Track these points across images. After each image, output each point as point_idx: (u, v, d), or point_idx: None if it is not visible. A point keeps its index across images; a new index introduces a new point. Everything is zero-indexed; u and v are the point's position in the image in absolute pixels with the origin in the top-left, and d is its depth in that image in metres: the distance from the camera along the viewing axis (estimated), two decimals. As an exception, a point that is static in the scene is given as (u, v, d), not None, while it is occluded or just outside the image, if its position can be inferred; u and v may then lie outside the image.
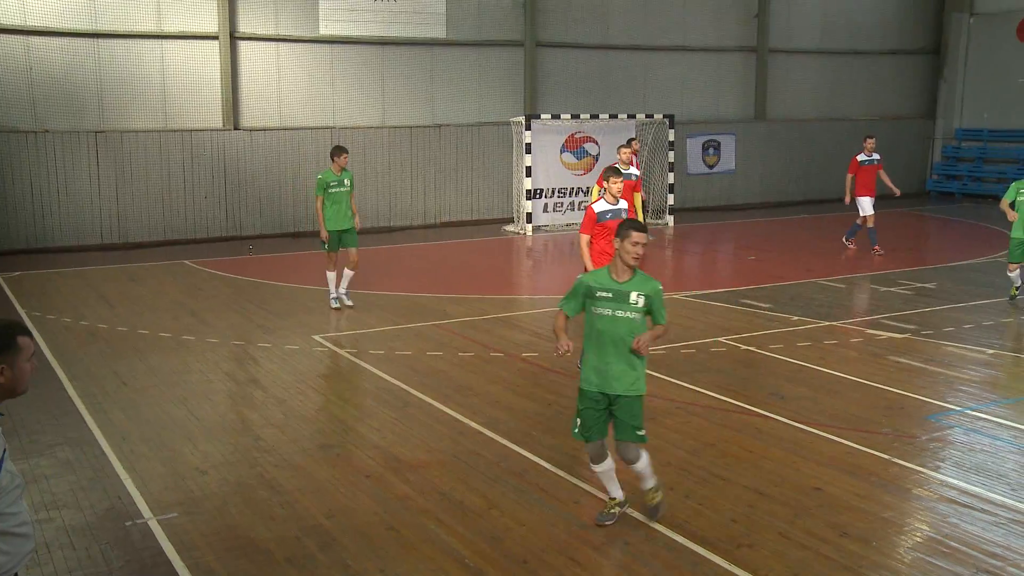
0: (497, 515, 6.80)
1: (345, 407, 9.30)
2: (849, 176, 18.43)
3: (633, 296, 6.26)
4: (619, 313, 6.27)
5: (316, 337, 12.04)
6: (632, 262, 6.25)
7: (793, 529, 6.51)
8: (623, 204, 9.84)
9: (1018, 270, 13.65)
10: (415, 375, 10.33)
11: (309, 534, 6.52)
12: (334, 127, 21.99)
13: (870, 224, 18.26)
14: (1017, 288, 13.80)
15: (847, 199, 18.56)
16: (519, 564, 6.07)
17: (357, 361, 11.00)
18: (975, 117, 29.19)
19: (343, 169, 13.37)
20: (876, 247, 18.16)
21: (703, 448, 8.08)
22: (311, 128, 21.78)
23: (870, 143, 18.32)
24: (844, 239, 19.12)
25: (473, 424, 8.77)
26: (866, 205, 18.26)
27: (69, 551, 6.30)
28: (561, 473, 7.54)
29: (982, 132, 28.73)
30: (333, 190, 13.27)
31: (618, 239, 6.28)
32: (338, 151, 13.42)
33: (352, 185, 13.48)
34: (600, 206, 9.73)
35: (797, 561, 6.06)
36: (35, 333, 12.38)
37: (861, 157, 18.27)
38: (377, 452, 8.10)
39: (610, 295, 6.29)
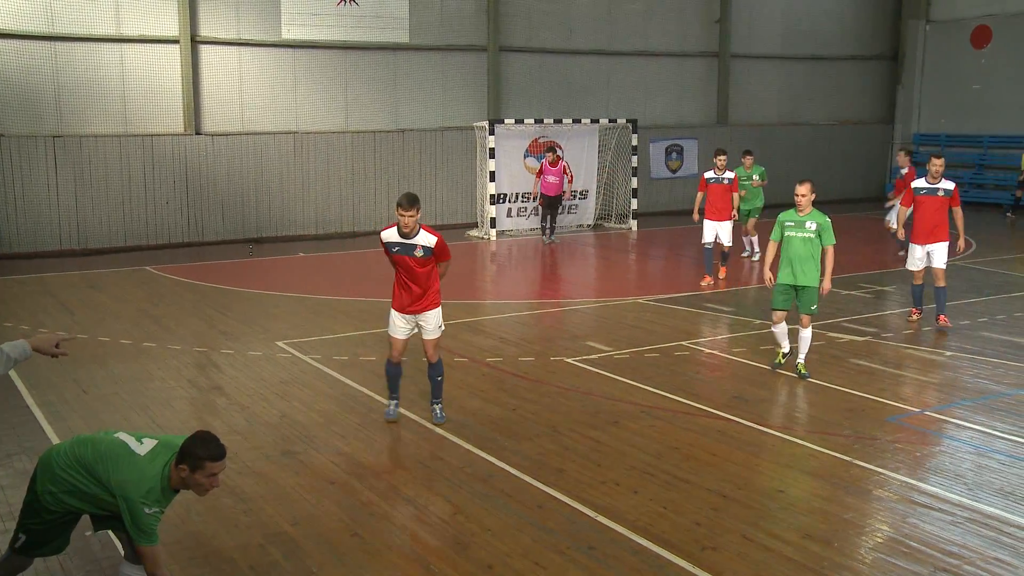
0: (462, 520, 6.80)
1: (309, 413, 9.25)
2: (903, 209, 13.39)
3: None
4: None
5: (279, 343, 11.96)
6: (203, 494, 5.15)
7: (756, 531, 6.58)
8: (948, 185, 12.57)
9: (783, 324, 10.41)
10: (380, 381, 10.26)
11: (273, 542, 6.49)
12: (297, 132, 21.87)
13: (940, 282, 12.57)
14: (785, 353, 10.56)
15: (901, 234, 14.59)
16: (485, 569, 6.07)
17: (321, 367, 10.95)
18: (932, 122, 29.65)
19: (752, 166, 17.90)
20: (940, 317, 12.51)
21: (667, 452, 8.14)
22: (273, 133, 21.63)
23: (935, 164, 12.48)
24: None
25: (438, 430, 8.76)
26: (916, 254, 12.67)
27: (28, 562, 6.20)
28: (526, 478, 7.56)
29: (939, 137, 29.17)
30: (744, 183, 17.27)
31: (188, 467, 4.97)
32: (744, 154, 18.26)
33: (763, 178, 17.93)
34: (919, 183, 12.66)
35: (760, 563, 6.12)
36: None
37: (916, 184, 12.79)
38: (342, 458, 8.07)
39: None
